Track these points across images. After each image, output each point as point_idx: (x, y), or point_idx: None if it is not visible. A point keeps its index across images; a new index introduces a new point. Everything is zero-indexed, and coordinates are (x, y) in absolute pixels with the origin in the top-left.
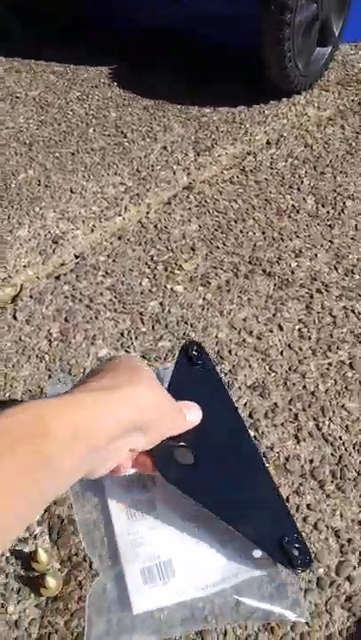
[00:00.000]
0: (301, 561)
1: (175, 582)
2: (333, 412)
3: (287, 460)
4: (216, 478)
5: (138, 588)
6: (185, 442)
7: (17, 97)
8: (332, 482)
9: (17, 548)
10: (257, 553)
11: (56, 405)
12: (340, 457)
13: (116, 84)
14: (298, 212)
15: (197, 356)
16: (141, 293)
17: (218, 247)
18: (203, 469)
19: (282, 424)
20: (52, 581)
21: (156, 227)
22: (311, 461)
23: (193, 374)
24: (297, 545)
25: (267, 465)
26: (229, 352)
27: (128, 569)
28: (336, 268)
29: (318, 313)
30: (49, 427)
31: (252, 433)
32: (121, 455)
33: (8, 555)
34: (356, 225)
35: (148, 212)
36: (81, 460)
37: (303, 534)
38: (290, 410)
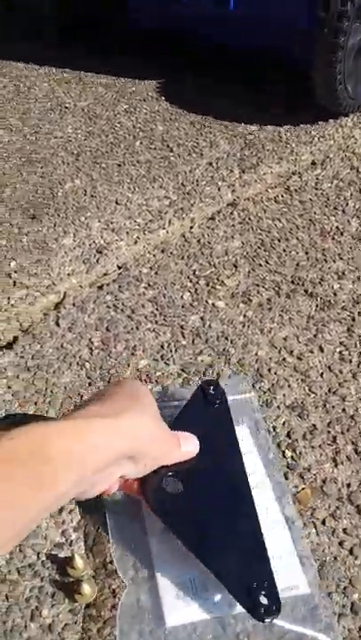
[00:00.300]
0: (266, 609)
1: (208, 598)
2: None
3: (324, 482)
4: (199, 513)
5: (171, 602)
6: (177, 472)
7: (66, 107)
8: None
9: (52, 553)
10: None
11: (56, 432)
12: None
13: (163, 98)
14: (342, 234)
15: (213, 395)
16: (183, 307)
17: (260, 265)
18: (188, 502)
19: (320, 446)
20: (87, 588)
21: (199, 241)
22: (349, 485)
23: (204, 410)
24: (265, 592)
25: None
26: (269, 370)
27: (162, 582)
28: None
29: (360, 336)
30: (47, 453)
31: (289, 453)
32: (111, 480)
33: (44, 559)
34: None
35: (191, 227)
36: (74, 485)
37: (338, 558)
38: (328, 432)
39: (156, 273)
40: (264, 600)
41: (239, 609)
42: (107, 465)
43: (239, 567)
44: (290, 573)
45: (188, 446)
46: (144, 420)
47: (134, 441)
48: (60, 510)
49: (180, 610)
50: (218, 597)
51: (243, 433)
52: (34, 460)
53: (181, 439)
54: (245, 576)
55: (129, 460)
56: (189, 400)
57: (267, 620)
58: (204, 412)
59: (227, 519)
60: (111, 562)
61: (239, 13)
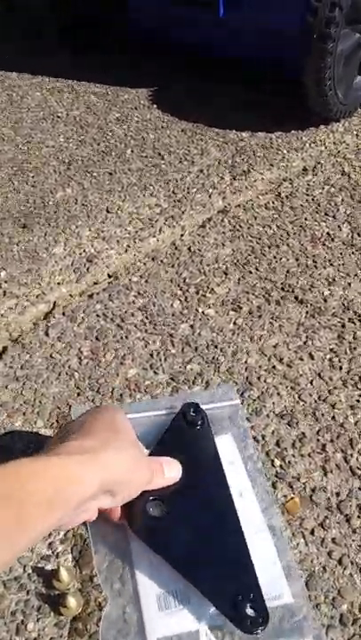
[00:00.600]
0: (253, 621)
1: (191, 609)
2: None
3: (313, 491)
4: (183, 534)
5: (153, 615)
6: (161, 496)
7: (58, 116)
8: (358, 516)
9: (39, 566)
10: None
11: (35, 471)
12: None
13: (155, 106)
14: (333, 239)
15: (195, 417)
16: (172, 315)
17: (250, 272)
18: (171, 524)
19: (309, 454)
20: (72, 601)
21: (189, 249)
22: (338, 494)
23: (185, 433)
24: (251, 604)
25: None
26: (258, 378)
27: (144, 595)
28: None
29: (350, 343)
30: (28, 491)
31: (278, 462)
32: (89, 513)
33: (30, 571)
34: None
35: (182, 235)
36: (54, 522)
37: (326, 569)
38: (318, 440)
39: (146, 281)
40: (250, 612)
41: (224, 621)
42: (85, 501)
43: (224, 582)
44: (273, 583)
45: (171, 472)
46: (121, 456)
47: (112, 476)
48: None
49: (163, 622)
50: (201, 609)
51: (228, 442)
52: (15, 499)
53: (164, 465)
54: (230, 589)
55: (106, 493)
56: (171, 424)
57: (255, 632)
58: (185, 435)
59: (211, 537)
60: (98, 574)
61: (231, 21)
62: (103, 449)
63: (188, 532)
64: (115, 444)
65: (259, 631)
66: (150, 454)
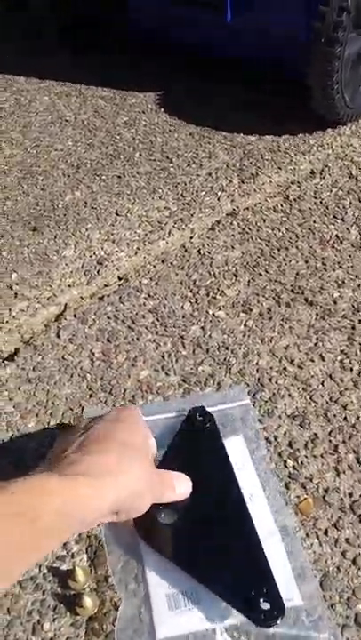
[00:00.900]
0: (267, 614)
1: (202, 609)
2: None
3: (326, 492)
4: (195, 539)
5: (163, 614)
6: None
7: (66, 120)
8: None
9: (54, 566)
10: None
11: (49, 490)
12: None
13: (162, 109)
14: (341, 242)
15: (202, 421)
16: (183, 317)
17: (260, 274)
18: (183, 529)
19: (321, 455)
20: (88, 601)
21: (199, 252)
22: (351, 495)
23: (194, 437)
24: (264, 598)
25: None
26: (270, 380)
27: (154, 594)
28: None
29: None
30: (41, 510)
31: (290, 463)
32: (94, 526)
33: (45, 571)
34: None
35: (191, 237)
36: (63, 539)
37: (341, 569)
38: (330, 441)
39: (156, 283)
40: (266, 605)
41: (234, 620)
42: (93, 520)
43: (237, 580)
44: (283, 586)
45: (181, 488)
46: (135, 475)
47: (120, 501)
48: None
49: (172, 621)
50: (213, 608)
51: (239, 443)
52: (25, 519)
53: (175, 481)
54: (243, 586)
55: (113, 514)
56: (178, 431)
57: (271, 624)
58: (194, 439)
59: (223, 538)
60: (113, 574)
61: (238, 25)
62: (118, 468)
63: (199, 536)
64: (130, 461)
65: (274, 624)
66: (163, 459)
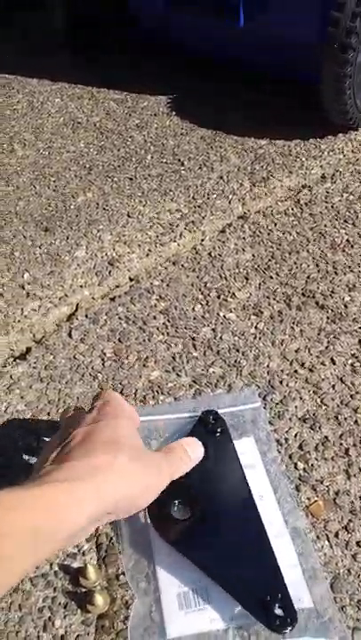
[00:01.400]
0: (282, 621)
1: (213, 609)
2: None
3: (337, 494)
4: (208, 534)
5: (173, 613)
6: (184, 499)
7: (78, 122)
8: None
9: (65, 563)
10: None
11: (17, 503)
12: None
13: (174, 113)
14: (352, 246)
15: (214, 424)
16: (194, 319)
17: (271, 277)
18: (196, 526)
19: (332, 458)
20: (99, 599)
21: (210, 254)
22: None
23: (205, 439)
24: (279, 604)
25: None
26: (280, 382)
27: (165, 593)
28: None
29: None
30: (8, 525)
31: (301, 465)
32: (87, 534)
33: (57, 569)
34: None
35: (202, 240)
36: (40, 557)
37: (351, 571)
38: (341, 444)
39: (167, 285)
40: (279, 612)
41: (245, 621)
42: (81, 529)
43: (251, 582)
44: (293, 587)
45: (195, 452)
46: (124, 472)
47: (111, 501)
48: None
49: (183, 621)
50: (225, 609)
51: (250, 445)
52: None
53: (186, 446)
54: (259, 590)
55: (107, 516)
56: (190, 431)
57: (284, 632)
58: (206, 441)
59: (236, 538)
60: (124, 573)
61: (250, 29)
62: (102, 470)
63: (212, 534)
64: (118, 458)
65: (287, 631)
66: None
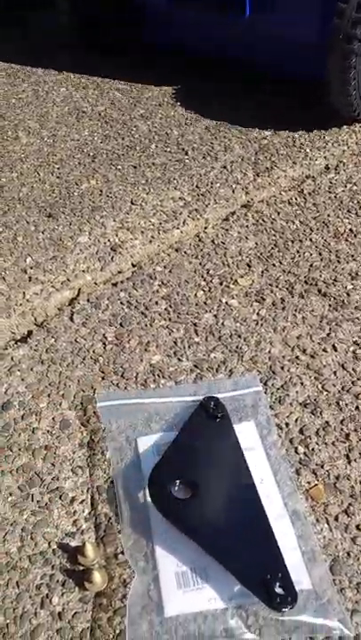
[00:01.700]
0: (282, 599)
1: (212, 588)
2: None
3: (337, 479)
4: (209, 514)
5: (171, 592)
6: (184, 477)
7: (83, 111)
8: None
9: (63, 542)
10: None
11: None
12: None
13: (179, 103)
14: (355, 235)
15: (215, 409)
16: (196, 305)
17: (274, 265)
18: (197, 504)
19: (333, 443)
20: (98, 577)
21: (213, 242)
22: None
23: (206, 424)
24: (280, 583)
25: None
26: (282, 368)
27: (163, 572)
28: None
29: None
30: None
31: (301, 449)
32: None
33: (55, 547)
34: None
35: (205, 227)
36: None
37: (351, 554)
38: (341, 430)
39: (170, 271)
40: (280, 590)
41: (243, 601)
42: None
43: (252, 561)
44: (293, 569)
45: None
46: None
47: None
48: (72, 500)
49: (181, 599)
50: (224, 588)
51: (250, 429)
52: None
53: None
54: (259, 569)
55: None
56: (191, 416)
57: (284, 610)
58: (206, 426)
59: (236, 518)
60: (122, 552)
61: (253, 23)
62: None
63: (213, 515)
64: None
65: (286, 609)
66: (175, 441)
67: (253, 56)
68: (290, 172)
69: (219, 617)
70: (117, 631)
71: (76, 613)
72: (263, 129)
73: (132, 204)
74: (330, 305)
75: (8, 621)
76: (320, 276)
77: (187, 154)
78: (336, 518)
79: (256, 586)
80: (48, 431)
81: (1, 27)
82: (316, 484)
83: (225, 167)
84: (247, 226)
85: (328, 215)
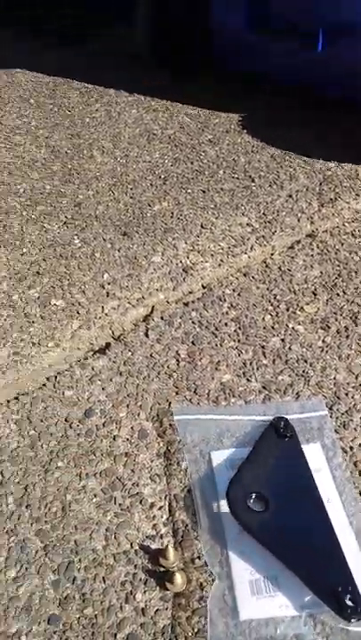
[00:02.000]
0: (352, 610)
1: (282, 596)
2: None
3: None
4: (283, 526)
5: (246, 598)
6: (259, 491)
7: (154, 134)
8: None
9: (144, 544)
10: None
11: None
12: None
13: (245, 131)
14: None
15: (284, 429)
16: (264, 328)
17: (338, 294)
18: (272, 517)
19: None
20: (179, 578)
21: (279, 268)
22: None
23: (276, 443)
24: (350, 596)
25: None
26: (346, 394)
27: (237, 578)
28: None
29: None
30: None
31: None
32: None
33: (137, 548)
34: None
35: (272, 254)
36: None
37: None
38: None
39: (238, 295)
40: (349, 602)
41: (313, 610)
42: None
43: (324, 573)
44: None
45: None
46: None
47: None
48: (151, 506)
49: (254, 605)
50: (295, 597)
51: (316, 450)
52: None
53: None
54: (331, 581)
55: None
56: (262, 435)
57: (353, 621)
58: (276, 445)
59: (307, 533)
60: (199, 557)
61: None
62: None
63: (286, 528)
64: None
65: (354, 620)
66: (247, 458)
67: (328, 85)
68: (353, 205)
69: (290, 623)
70: (196, 629)
71: (157, 610)
72: (327, 160)
73: (202, 227)
74: None
75: (96, 612)
76: None
77: (253, 181)
78: None
79: (328, 596)
80: (128, 439)
81: (67, 45)
82: None
83: (290, 196)
84: (312, 255)
85: None
